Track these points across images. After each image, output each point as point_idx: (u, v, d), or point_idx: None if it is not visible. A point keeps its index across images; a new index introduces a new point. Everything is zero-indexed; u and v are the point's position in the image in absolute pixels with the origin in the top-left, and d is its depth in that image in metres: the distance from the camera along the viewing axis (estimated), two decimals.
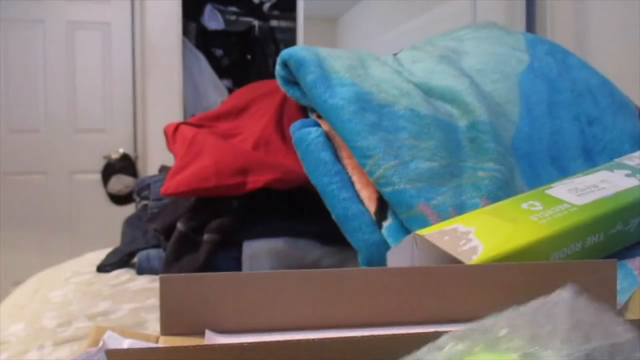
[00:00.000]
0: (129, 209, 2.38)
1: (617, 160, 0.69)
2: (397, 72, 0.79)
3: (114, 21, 2.42)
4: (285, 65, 0.75)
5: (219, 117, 0.85)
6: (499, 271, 0.40)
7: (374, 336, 0.29)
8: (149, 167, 2.42)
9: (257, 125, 0.79)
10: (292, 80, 0.76)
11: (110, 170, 2.41)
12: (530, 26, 1.76)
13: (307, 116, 0.78)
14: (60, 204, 2.40)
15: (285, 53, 0.74)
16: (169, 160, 1.27)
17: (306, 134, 0.70)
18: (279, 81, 0.77)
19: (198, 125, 0.82)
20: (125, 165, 2.43)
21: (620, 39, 1.39)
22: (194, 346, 0.27)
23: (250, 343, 0.27)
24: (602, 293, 0.40)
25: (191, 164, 0.70)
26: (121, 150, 2.43)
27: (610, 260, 0.41)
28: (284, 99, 0.82)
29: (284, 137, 0.77)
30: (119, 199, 2.43)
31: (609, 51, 1.42)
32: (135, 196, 2.39)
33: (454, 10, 2.05)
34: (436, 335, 0.23)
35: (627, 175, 0.63)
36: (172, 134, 0.81)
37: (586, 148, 0.76)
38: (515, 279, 0.40)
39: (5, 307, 0.77)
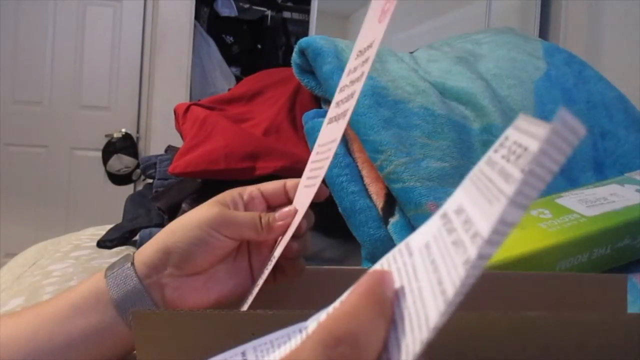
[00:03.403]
0: (127, 189, 2.37)
1: (627, 174, 0.69)
2: (414, 70, 0.79)
3: None
4: (302, 53, 0.74)
5: (231, 100, 0.84)
6: (509, 280, 0.40)
7: None
8: (151, 149, 2.40)
9: (269, 112, 0.78)
10: (308, 69, 0.75)
11: (111, 149, 2.40)
12: (544, 31, 1.76)
13: (319, 106, 0.77)
14: (58, 179, 2.39)
15: (303, 41, 0.73)
16: (171, 143, 1.26)
17: (319, 124, 0.69)
18: (294, 69, 0.76)
19: (209, 107, 0.81)
20: (126, 145, 2.41)
21: (633, 45, 1.40)
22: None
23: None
24: (612, 308, 0.40)
25: (201, 145, 0.69)
26: (123, 130, 2.41)
27: (621, 275, 0.41)
28: (298, 88, 0.81)
29: (295, 126, 0.77)
30: (118, 179, 2.42)
31: (621, 59, 1.42)
32: (134, 177, 2.38)
33: (468, 15, 2.05)
34: None
35: (638, 190, 0.63)
36: (182, 113, 0.80)
37: (597, 161, 0.76)
38: (524, 289, 0.39)
39: (3, 277, 0.76)
